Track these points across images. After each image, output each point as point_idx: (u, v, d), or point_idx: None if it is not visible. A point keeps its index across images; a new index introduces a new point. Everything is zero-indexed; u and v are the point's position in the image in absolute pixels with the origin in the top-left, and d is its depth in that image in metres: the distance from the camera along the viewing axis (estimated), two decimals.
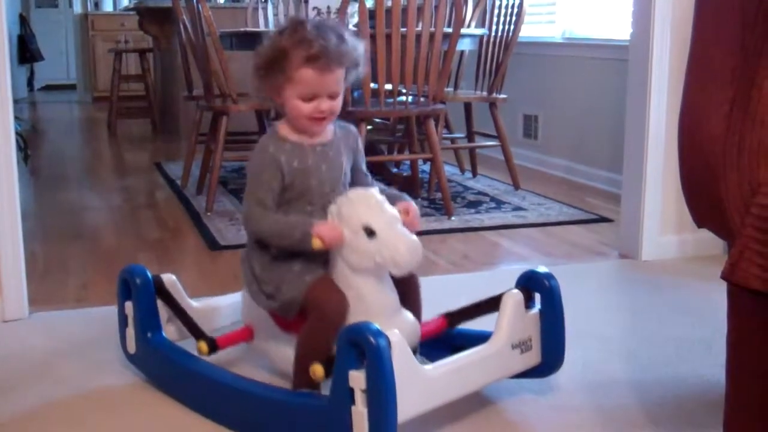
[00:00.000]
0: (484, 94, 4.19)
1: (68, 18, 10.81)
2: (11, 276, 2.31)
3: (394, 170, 4.21)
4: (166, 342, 1.86)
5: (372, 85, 3.43)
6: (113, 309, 1.97)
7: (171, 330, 1.92)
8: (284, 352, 1.72)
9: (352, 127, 1.82)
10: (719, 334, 1.42)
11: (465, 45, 4.04)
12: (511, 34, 4.05)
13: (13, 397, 1.84)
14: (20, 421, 1.74)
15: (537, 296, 1.78)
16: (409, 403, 1.47)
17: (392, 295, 1.66)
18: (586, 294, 2.51)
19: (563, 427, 1.70)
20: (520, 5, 4.01)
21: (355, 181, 1.81)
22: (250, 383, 1.71)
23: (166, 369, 1.84)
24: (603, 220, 3.49)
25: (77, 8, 10.49)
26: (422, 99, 3.54)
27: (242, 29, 4.29)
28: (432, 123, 3.58)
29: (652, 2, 2.73)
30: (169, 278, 1.92)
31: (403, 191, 1.81)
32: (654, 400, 1.80)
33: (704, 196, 1.33)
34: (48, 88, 11.02)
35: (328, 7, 4.09)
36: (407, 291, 1.73)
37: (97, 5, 10.48)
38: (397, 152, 4.35)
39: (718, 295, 1.44)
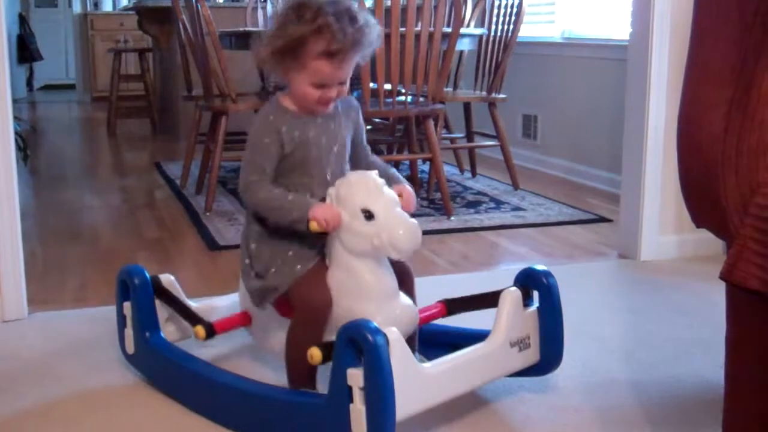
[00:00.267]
0: (484, 94, 4.19)
1: (68, 18, 10.82)
2: (10, 276, 2.31)
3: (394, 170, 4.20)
4: (164, 342, 1.86)
5: (371, 84, 3.43)
6: (112, 309, 1.97)
7: (169, 330, 1.92)
8: (282, 337, 1.71)
9: (354, 101, 1.80)
10: (718, 335, 1.41)
11: (464, 45, 4.04)
12: (510, 33, 4.05)
13: (11, 397, 1.84)
14: (19, 420, 1.74)
15: (535, 294, 1.78)
16: (407, 401, 1.47)
17: (391, 279, 1.65)
18: (585, 294, 2.51)
19: (562, 427, 1.70)
20: (520, 5, 4.01)
21: (356, 155, 1.80)
22: (249, 382, 1.71)
23: (164, 369, 1.84)
24: (602, 220, 3.49)
25: (77, 8, 10.49)
26: (421, 99, 3.54)
27: (241, 29, 4.29)
28: (431, 123, 3.58)
29: (652, 2, 2.73)
30: (167, 278, 1.92)
31: None
32: (653, 400, 1.80)
33: (703, 196, 1.33)
34: (47, 87, 11.01)
35: None
36: (400, 279, 1.71)
37: (96, 5, 10.49)
38: (397, 152, 4.35)
39: (717, 296, 1.44)
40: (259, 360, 1.98)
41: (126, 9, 8.90)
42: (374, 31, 1.66)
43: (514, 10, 4.04)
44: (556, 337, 1.77)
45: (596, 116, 4.27)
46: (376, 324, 1.47)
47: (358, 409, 1.44)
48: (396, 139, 4.36)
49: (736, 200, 1.25)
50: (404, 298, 1.68)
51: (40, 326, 2.28)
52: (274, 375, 1.85)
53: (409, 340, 1.61)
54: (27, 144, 4.47)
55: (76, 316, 2.35)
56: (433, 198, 3.88)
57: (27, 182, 4.41)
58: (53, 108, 8.96)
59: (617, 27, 4.13)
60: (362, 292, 1.61)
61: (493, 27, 4.15)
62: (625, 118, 2.95)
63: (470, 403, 1.75)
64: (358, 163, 1.81)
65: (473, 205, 3.79)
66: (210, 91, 3.81)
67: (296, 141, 1.68)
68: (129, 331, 1.90)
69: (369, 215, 1.58)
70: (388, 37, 3.27)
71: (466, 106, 4.40)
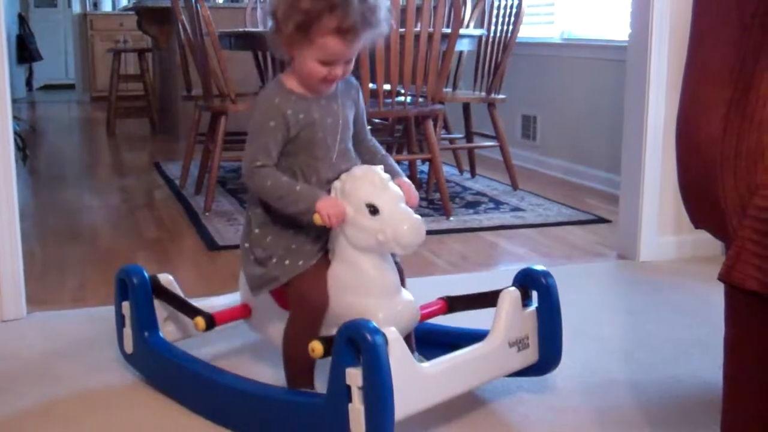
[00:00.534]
0: (483, 94, 4.19)
1: (67, 18, 10.82)
2: (9, 276, 2.31)
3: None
4: (163, 342, 1.86)
5: (371, 85, 3.43)
6: (111, 309, 1.97)
7: (168, 330, 1.92)
8: (281, 329, 1.71)
9: (353, 80, 1.78)
10: (717, 335, 1.42)
11: (464, 45, 4.04)
12: (509, 34, 4.06)
13: (10, 397, 1.84)
14: (18, 420, 1.74)
15: (534, 294, 1.78)
16: (406, 401, 1.47)
17: (393, 275, 1.65)
18: (584, 294, 2.51)
19: (561, 428, 1.70)
20: (519, 6, 4.02)
21: (357, 136, 1.78)
22: (248, 382, 1.71)
23: (163, 369, 1.84)
24: (601, 220, 3.49)
25: (76, 8, 10.49)
26: (421, 99, 3.54)
27: (241, 29, 4.29)
28: (431, 123, 3.58)
29: (651, 3, 2.73)
30: (166, 278, 1.92)
31: None
32: (652, 401, 1.81)
33: (701, 198, 1.33)
34: (47, 87, 11.01)
35: None
36: None
37: (96, 5, 10.49)
38: (396, 153, 4.35)
39: (716, 296, 1.44)
40: (258, 359, 1.98)
41: (125, 9, 8.90)
42: (385, 13, 1.64)
43: (514, 10, 4.04)
44: (555, 338, 1.77)
45: (595, 117, 4.27)
46: (376, 322, 1.47)
47: (356, 409, 1.44)
48: (395, 140, 4.36)
49: (734, 201, 1.25)
50: (406, 294, 1.68)
51: (39, 326, 2.28)
52: (273, 374, 1.85)
53: (406, 339, 1.61)
54: (26, 144, 4.47)
55: (75, 316, 2.35)
56: (432, 198, 3.88)
57: (26, 182, 4.41)
58: (52, 108, 8.96)
59: (616, 28, 4.13)
60: (365, 287, 1.61)
61: (493, 28, 4.16)
62: (624, 118, 2.95)
63: (469, 403, 1.75)
64: (359, 144, 1.79)
65: (472, 205, 3.79)
66: (209, 91, 3.81)
67: (301, 123, 1.65)
68: (128, 331, 1.90)
69: (374, 210, 1.58)
70: (387, 37, 3.27)
71: (466, 107, 4.40)
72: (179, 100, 5.40)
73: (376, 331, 1.43)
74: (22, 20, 10.31)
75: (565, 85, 4.54)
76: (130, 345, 1.90)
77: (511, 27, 4.05)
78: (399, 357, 1.46)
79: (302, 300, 1.65)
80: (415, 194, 1.71)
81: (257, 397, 1.64)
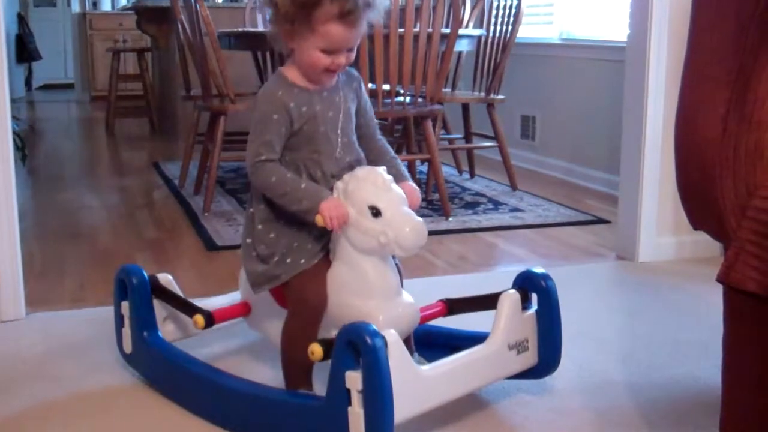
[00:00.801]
0: (482, 95, 4.19)
1: (66, 17, 10.82)
2: (8, 276, 2.31)
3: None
4: (162, 342, 1.86)
5: (370, 85, 3.43)
6: (110, 309, 1.97)
7: (167, 330, 1.92)
8: (281, 328, 1.71)
9: (354, 71, 1.77)
10: (716, 336, 1.42)
11: (463, 46, 4.04)
12: (508, 35, 4.06)
13: (9, 397, 1.84)
14: (17, 421, 1.74)
15: (534, 297, 1.78)
16: (405, 404, 1.47)
17: (394, 277, 1.65)
18: (583, 295, 2.51)
19: (560, 429, 1.70)
20: (518, 6, 4.02)
21: (364, 131, 1.77)
22: (247, 383, 1.71)
23: (162, 369, 1.84)
24: (600, 221, 3.49)
25: (75, 7, 10.49)
26: (420, 100, 3.54)
27: (240, 29, 4.29)
28: (430, 124, 3.58)
29: (649, 4, 2.74)
30: (165, 277, 1.92)
31: None
32: (650, 402, 1.81)
33: (700, 199, 1.34)
34: (46, 87, 11.01)
35: None
36: None
37: (95, 4, 10.49)
38: (395, 153, 4.35)
39: (715, 297, 1.44)
40: (257, 359, 1.98)
41: (125, 9, 8.90)
42: None
43: (513, 11, 4.04)
44: (554, 341, 1.77)
45: (594, 117, 4.27)
46: (376, 324, 1.47)
47: (356, 412, 1.44)
48: (394, 140, 4.36)
49: (733, 202, 1.25)
50: (406, 296, 1.67)
51: (39, 327, 2.28)
52: (272, 374, 1.85)
53: (405, 341, 1.61)
54: (25, 144, 4.47)
55: (74, 317, 2.35)
56: (431, 199, 3.88)
57: (25, 182, 4.40)
58: (52, 107, 8.96)
59: (615, 28, 4.13)
60: (366, 288, 1.61)
61: (492, 28, 4.16)
62: (623, 119, 2.95)
63: (468, 405, 1.75)
64: (367, 141, 1.78)
65: (471, 206, 3.79)
66: (208, 91, 3.80)
67: (304, 116, 1.64)
68: (127, 331, 1.90)
69: (376, 212, 1.58)
70: (387, 37, 3.27)
71: (465, 107, 4.40)
72: (178, 100, 5.40)
73: (376, 334, 1.42)
74: (22, 19, 10.31)
75: (564, 85, 4.54)
76: (129, 345, 1.90)
77: (510, 27, 4.05)
78: (398, 360, 1.45)
79: (301, 299, 1.64)
80: (417, 197, 1.70)
81: (256, 399, 1.64)
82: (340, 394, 1.45)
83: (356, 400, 1.43)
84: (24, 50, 10.14)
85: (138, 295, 1.86)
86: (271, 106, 1.63)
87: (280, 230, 1.68)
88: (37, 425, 1.73)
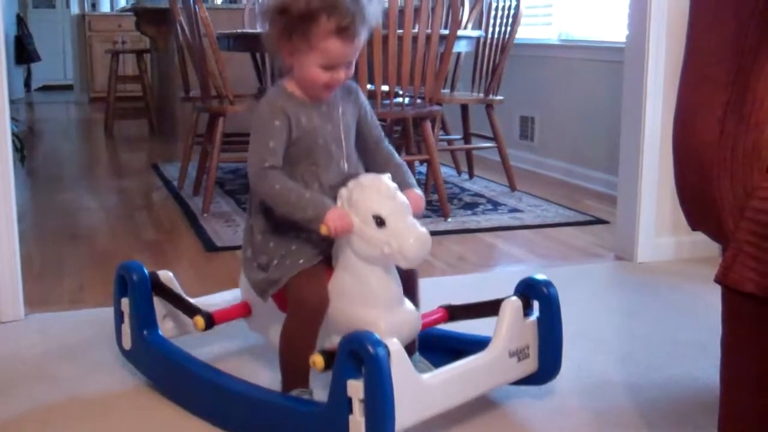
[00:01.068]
0: (481, 95, 4.19)
1: (65, 18, 10.82)
2: (7, 277, 2.31)
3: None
4: (161, 339, 1.86)
5: (369, 86, 3.43)
6: (109, 310, 1.97)
7: (167, 327, 1.92)
8: (281, 330, 1.71)
9: (352, 83, 1.77)
10: (715, 336, 1.42)
11: (462, 47, 4.04)
12: (507, 35, 4.06)
13: (9, 399, 1.84)
14: (16, 422, 1.74)
15: (535, 303, 1.78)
16: (406, 412, 1.46)
17: (396, 286, 1.64)
18: (581, 296, 2.51)
19: (559, 429, 1.70)
20: (517, 7, 4.02)
21: (370, 142, 1.77)
22: (247, 385, 1.71)
23: (161, 366, 1.84)
24: (599, 221, 3.50)
25: (74, 9, 10.49)
26: (419, 101, 3.54)
27: (239, 30, 4.29)
28: (429, 124, 3.58)
29: (648, 4, 2.74)
30: (165, 275, 1.92)
31: None
32: (649, 402, 1.81)
33: (698, 199, 1.34)
34: (45, 88, 11.01)
35: None
36: (405, 283, 1.69)
37: (94, 6, 10.49)
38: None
39: (714, 297, 1.45)
40: (257, 360, 1.98)
41: (124, 10, 8.89)
42: (376, 6, 1.64)
43: (512, 12, 4.04)
44: (555, 348, 1.77)
45: (593, 118, 4.27)
46: (378, 332, 1.47)
47: (357, 421, 1.43)
48: (393, 141, 4.36)
49: (731, 203, 1.26)
50: (408, 304, 1.67)
51: (37, 328, 2.27)
52: (272, 375, 1.84)
53: (408, 345, 1.61)
54: (24, 145, 4.47)
55: (73, 318, 2.35)
56: (430, 199, 3.88)
57: (24, 183, 4.40)
58: (51, 109, 8.96)
59: (614, 29, 4.13)
60: (367, 297, 1.60)
61: (491, 29, 4.16)
62: (622, 119, 2.96)
63: (468, 405, 1.74)
64: (374, 147, 1.78)
65: (470, 206, 3.79)
66: (207, 92, 3.81)
67: (303, 127, 1.65)
68: (126, 328, 1.89)
69: (380, 222, 1.57)
70: (386, 38, 3.28)
71: (464, 108, 4.40)
72: (177, 101, 5.40)
73: (379, 344, 1.42)
74: (21, 21, 10.31)
75: (562, 86, 4.55)
76: (128, 341, 1.90)
77: (508, 28, 4.05)
78: (400, 368, 1.45)
79: (299, 299, 1.64)
80: (421, 204, 1.70)
81: (256, 402, 1.64)
82: (341, 402, 1.45)
83: (357, 408, 1.43)
84: (23, 51, 10.14)
85: (138, 291, 1.85)
86: (272, 112, 1.64)
87: (279, 237, 1.68)
88: (36, 427, 1.73)
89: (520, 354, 1.73)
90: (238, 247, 2.97)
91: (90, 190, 4.31)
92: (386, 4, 1.70)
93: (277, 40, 1.63)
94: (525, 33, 4.63)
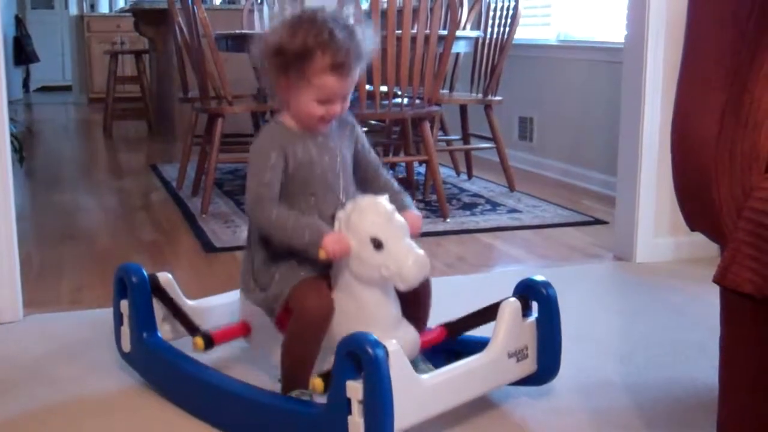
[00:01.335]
0: (480, 96, 4.19)
1: (64, 19, 10.80)
2: (6, 278, 2.31)
3: (390, 172, 4.21)
4: (160, 341, 1.86)
5: (367, 87, 3.43)
6: (108, 311, 1.97)
7: (166, 329, 1.91)
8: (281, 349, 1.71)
9: (349, 116, 1.78)
10: (713, 337, 1.42)
11: (460, 47, 4.04)
12: (506, 36, 4.06)
13: (7, 399, 1.84)
14: (15, 423, 1.74)
15: (534, 304, 1.78)
16: (405, 413, 1.46)
17: (395, 308, 1.65)
18: (580, 296, 2.51)
19: (558, 429, 1.70)
20: (516, 7, 4.02)
21: (367, 172, 1.79)
22: (246, 387, 1.70)
23: (160, 368, 1.84)
24: (598, 222, 3.50)
25: (73, 10, 10.47)
26: (417, 101, 3.54)
27: (238, 31, 4.29)
28: (427, 125, 3.58)
29: (647, 5, 2.74)
30: (165, 277, 1.92)
31: None
32: (648, 403, 1.81)
33: (697, 200, 1.34)
34: (44, 89, 11.00)
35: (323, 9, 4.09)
36: (418, 293, 1.69)
37: (92, 7, 10.47)
38: (393, 154, 4.35)
39: (713, 298, 1.45)
40: (257, 363, 1.98)
41: (122, 11, 8.89)
42: (369, 42, 1.69)
43: (510, 12, 4.04)
44: (554, 348, 1.77)
45: (592, 118, 4.27)
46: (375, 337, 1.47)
47: (356, 422, 1.43)
48: (392, 141, 4.36)
49: (729, 204, 1.26)
50: (406, 325, 1.67)
51: (36, 328, 2.27)
52: (271, 376, 1.84)
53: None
54: (23, 146, 4.47)
55: (71, 319, 2.35)
56: (429, 200, 3.88)
57: (23, 184, 4.40)
58: (49, 110, 8.95)
59: (613, 29, 4.14)
60: (365, 319, 1.60)
61: (489, 29, 4.16)
62: (621, 120, 2.96)
63: (467, 405, 1.74)
64: (374, 181, 1.80)
65: (469, 207, 3.79)
66: (206, 93, 3.81)
67: (299, 160, 1.68)
68: (125, 330, 1.89)
69: (378, 244, 1.57)
70: (385, 39, 3.28)
71: (462, 108, 4.41)
72: (176, 102, 5.40)
73: (377, 345, 1.42)
74: (19, 22, 10.30)
75: (561, 86, 4.55)
76: (127, 343, 1.90)
77: (507, 28, 4.05)
78: (399, 370, 1.45)
79: (302, 307, 1.63)
80: (419, 224, 1.71)
81: (255, 403, 1.64)
82: (340, 403, 1.45)
83: (356, 409, 1.43)
84: (22, 52, 10.13)
85: (137, 294, 1.85)
86: (269, 146, 1.67)
87: (277, 261, 1.69)
88: (36, 427, 1.73)
89: (519, 355, 1.73)
90: (237, 248, 2.98)
91: (89, 191, 4.31)
92: (378, 43, 1.73)
93: (274, 78, 1.67)
94: (524, 33, 4.63)
